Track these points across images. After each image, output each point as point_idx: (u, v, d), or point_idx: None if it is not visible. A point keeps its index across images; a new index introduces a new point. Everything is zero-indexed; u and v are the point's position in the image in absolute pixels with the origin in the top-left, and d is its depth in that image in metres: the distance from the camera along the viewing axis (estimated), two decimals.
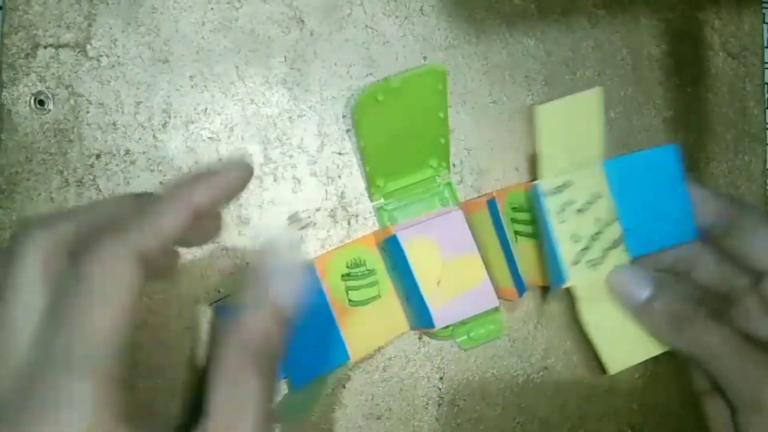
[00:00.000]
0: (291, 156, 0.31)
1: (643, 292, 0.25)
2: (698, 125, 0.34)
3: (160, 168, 0.30)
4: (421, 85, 0.28)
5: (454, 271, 0.28)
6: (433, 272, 0.28)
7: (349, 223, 0.31)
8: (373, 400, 0.31)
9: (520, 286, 0.30)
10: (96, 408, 0.17)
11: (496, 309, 0.29)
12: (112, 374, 0.18)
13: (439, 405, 0.31)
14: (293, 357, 0.28)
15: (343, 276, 0.29)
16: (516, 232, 0.30)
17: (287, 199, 0.31)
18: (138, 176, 0.30)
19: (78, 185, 0.30)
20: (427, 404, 0.31)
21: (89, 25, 0.30)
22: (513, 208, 0.29)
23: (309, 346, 0.28)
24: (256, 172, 0.31)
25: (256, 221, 0.30)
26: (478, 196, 0.32)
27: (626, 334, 0.26)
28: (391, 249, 0.28)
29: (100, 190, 0.30)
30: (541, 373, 0.32)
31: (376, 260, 0.30)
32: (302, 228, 0.31)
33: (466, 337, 0.31)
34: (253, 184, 0.31)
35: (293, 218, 0.31)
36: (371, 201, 0.31)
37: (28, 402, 0.17)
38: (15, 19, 0.30)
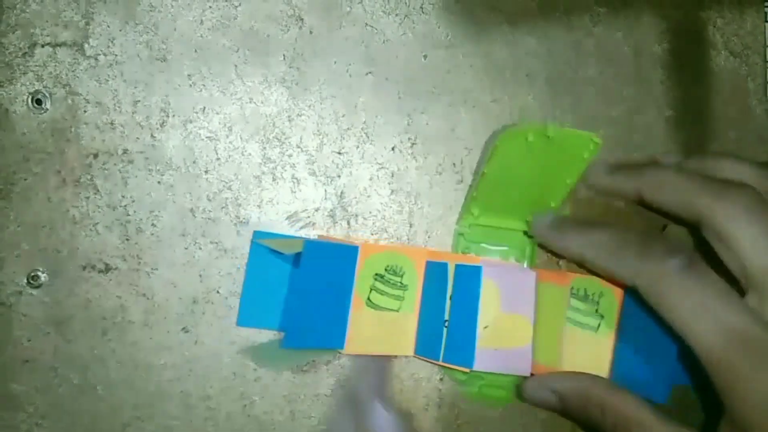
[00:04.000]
0: (290, 155, 0.31)
1: None
2: (700, 124, 0.34)
3: (158, 167, 0.30)
4: (572, 145, 0.28)
5: (504, 325, 0.28)
6: (486, 316, 0.28)
7: (348, 223, 0.31)
8: None
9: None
10: None
11: (515, 379, 0.30)
12: None
13: (440, 407, 0.31)
14: (298, 318, 0.28)
15: (376, 275, 0.29)
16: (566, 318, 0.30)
17: (286, 198, 0.31)
18: (136, 176, 0.30)
19: (75, 185, 0.29)
20: (428, 406, 0.31)
21: (87, 23, 0.30)
22: (573, 295, 0.29)
23: (316, 317, 0.28)
24: (255, 171, 0.31)
25: (254, 221, 0.30)
26: (561, 269, 0.32)
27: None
28: (463, 276, 0.28)
29: (97, 190, 0.30)
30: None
31: (414, 277, 0.30)
32: (301, 228, 0.31)
33: (477, 390, 0.31)
34: (251, 184, 0.30)
35: (292, 218, 0.31)
36: (456, 224, 0.31)
37: None
38: (12, 17, 0.29)
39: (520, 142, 0.28)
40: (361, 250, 0.29)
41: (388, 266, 0.30)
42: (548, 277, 0.30)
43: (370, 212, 0.31)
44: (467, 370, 0.29)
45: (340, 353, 0.30)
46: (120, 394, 0.29)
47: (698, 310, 0.24)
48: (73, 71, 0.30)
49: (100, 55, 0.30)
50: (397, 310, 0.30)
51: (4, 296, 0.29)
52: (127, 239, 0.30)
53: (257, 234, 0.30)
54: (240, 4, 0.31)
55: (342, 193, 0.31)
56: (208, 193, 0.30)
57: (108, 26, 0.30)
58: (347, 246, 0.29)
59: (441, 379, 0.31)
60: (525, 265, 0.31)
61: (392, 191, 0.31)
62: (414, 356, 0.30)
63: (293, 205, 0.31)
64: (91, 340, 0.29)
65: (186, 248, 0.30)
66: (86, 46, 0.30)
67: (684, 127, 0.33)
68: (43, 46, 0.29)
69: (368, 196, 0.31)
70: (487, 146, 0.31)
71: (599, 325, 0.29)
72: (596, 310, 0.29)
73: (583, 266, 0.29)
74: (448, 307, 0.29)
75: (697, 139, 0.34)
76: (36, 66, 0.29)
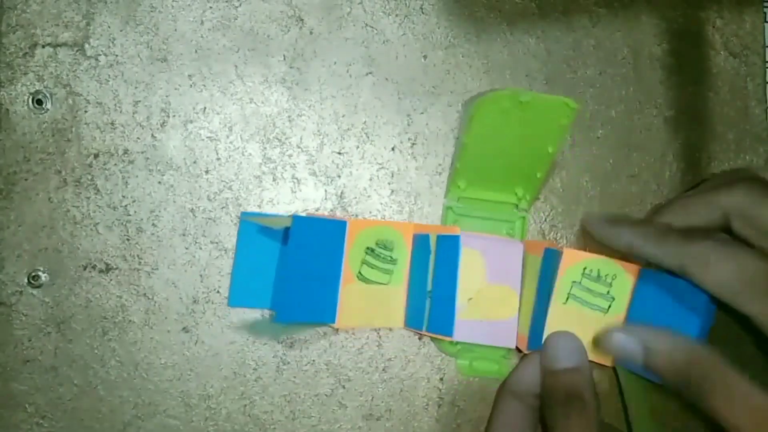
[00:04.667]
0: (290, 155, 0.31)
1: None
2: (699, 124, 0.34)
3: (158, 167, 0.30)
4: (547, 110, 0.28)
5: (490, 296, 0.28)
6: (470, 287, 0.28)
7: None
8: (372, 401, 0.31)
9: (534, 342, 0.29)
10: None
11: (509, 351, 0.29)
12: None
13: (440, 406, 0.31)
14: (288, 293, 0.28)
15: (367, 249, 0.30)
16: (571, 295, 0.29)
17: (286, 198, 0.31)
18: (136, 176, 0.30)
19: (76, 185, 0.30)
20: (428, 405, 0.31)
21: (87, 24, 0.30)
22: (585, 275, 0.29)
23: (306, 292, 0.28)
24: (255, 171, 0.31)
25: None
26: (544, 240, 0.32)
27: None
28: (444, 246, 0.28)
29: (98, 190, 0.30)
30: None
31: (404, 251, 0.30)
32: None
33: (468, 363, 0.31)
34: (252, 184, 0.30)
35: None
36: (444, 197, 0.31)
37: None
38: (13, 17, 0.29)
39: (495, 109, 0.28)
40: (351, 225, 0.29)
41: (378, 240, 0.30)
42: (532, 248, 0.30)
43: (370, 212, 0.31)
44: (449, 339, 0.29)
45: (332, 327, 0.30)
46: (120, 394, 0.29)
47: (743, 275, 0.25)
48: (73, 71, 0.30)
49: (100, 55, 0.30)
50: (387, 284, 0.30)
51: (4, 296, 0.29)
52: (128, 239, 0.30)
53: (244, 214, 0.30)
54: (240, 5, 0.31)
55: (342, 193, 0.31)
56: (208, 193, 0.30)
57: (109, 27, 0.30)
58: (336, 221, 0.29)
59: (441, 379, 0.31)
60: (515, 238, 0.31)
61: (392, 191, 0.31)
62: (404, 328, 0.30)
63: (293, 205, 0.31)
64: (92, 339, 0.29)
65: (186, 248, 0.30)
66: (87, 46, 0.30)
67: (683, 128, 0.34)
68: (43, 47, 0.30)
69: (368, 196, 0.31)
70: (463, 115, 0.31)
71: (609, 306, 0.29)
72: (608, 292, 0.29)
73: (630, 255, 0.29)
74: (431, 278, 0.29)
75: (696, 140, 0.34)
76: (37, 66, 0.29)
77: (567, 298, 0.29)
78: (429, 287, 0.29)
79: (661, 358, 0.26)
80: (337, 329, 0.30)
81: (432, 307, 0.29)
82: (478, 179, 0.30)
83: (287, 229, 0.28)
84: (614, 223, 0.29)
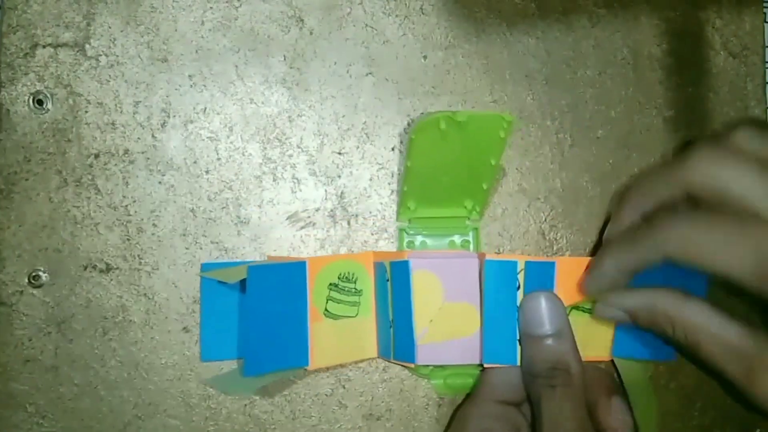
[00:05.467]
0: (290, 156, 0.31)
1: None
2: (699, 125, 0.34)
3: (159, 168, 0.30)
4: (485, 126, 0.28)
5: (450, 315, 0.28)
6: (429, 309, 0.28)
7: (348, 223, 0.31)
8: (373, 401, 0.31)
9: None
10: None
11: (478, 365, 0.29)
12: None
13: (440, 406, 0.31)
14: (254, 344, 0.27)
15: (330, 285, 0.29)
16: (574, 307, 0.29)
17: (287, 198, 0.31)
18: (137, 176, 0.30)
19: (77, 185, 0.30)
20: (428, 405, 0.31)
21: (88, 24, 0.30)
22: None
23: (274, 340, 0.28)
24: (256, 171, 0.31)
25: (255, 221, 0.30)
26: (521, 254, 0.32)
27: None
28: (396, 273, 0.28)
29: (98, 190, 0.30)
30: None
31: (367, 281, 0.30)
32: (302, 228, 0.31)
33: (442, 382, 0.31)
34: (252, 184, 0.31)
35: (293, 218, 0.31)
36: (397, 221, 0.31)
37: None
38: (14, 18, 0.29)
39: (433, 131, 0.28)
40: (311, 264, 0.29)
41: (340, 274, 0.29)
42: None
43: (371, 212, 0.31)
44: (411, 364, 0.28)
45: (306, 370, 0.29)
46: (120, 394, 0.29)
47: (733, 240, 0.24)
48: (74, 72, 0.30)
49: (101, 55, 0.30)
50: (355, 316, 0.29)
51: (5, 296, 0.29)
52: (128, 239, 0.30)
53: (204, 266, 0.30)
54: (241, 5, 0.31)
55: (342, 193, 0.31)
56: (208, 193, 0.30)
57: (109, 27, 0.30)
58: (293, 264, 0.28)
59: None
60: (471, 251, 0.31)
61: (392, 191, 0.31)
62: (378, 357, 0.30)
63: (294, 205, 0.31)
64: (92, 339, 0.29)
65: (187, 248, 0.30)
66: (87, 46, 0.30)
67: (683, 128, 0.34)
68: (44, 47, 0.30)
69: (368, 196, 0.31)
70: (406, 139, 0.31)
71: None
72: None
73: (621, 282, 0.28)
74: (390, 306, 0.29)
75: (696, 140, 0.34)
76: (37, 66, 0.30)
77: (570, 309, 0.29)
78: (391, 315, 0.29)
79: (633, 315, 0.28)
80: (315, 371, 0.30)
81: (395, 334, 0.29)
82: (426, 198, 0.30)
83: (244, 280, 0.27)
84: (592, 270, 0.28)
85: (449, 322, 0.28)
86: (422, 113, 0.31)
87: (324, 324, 0.29)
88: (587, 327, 0.29)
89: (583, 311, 0.30)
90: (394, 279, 0.28)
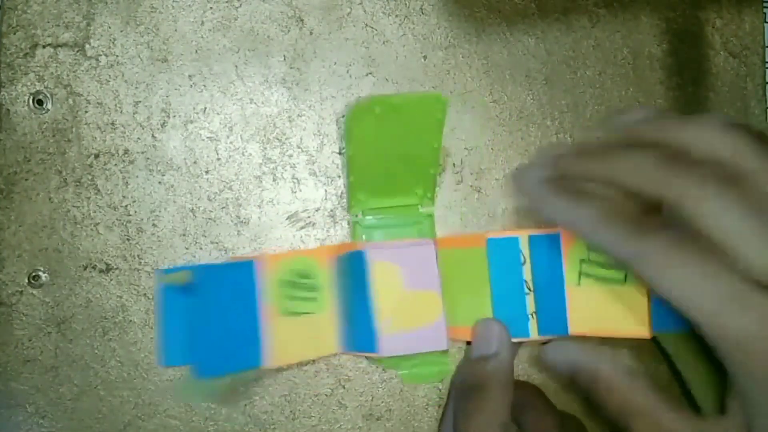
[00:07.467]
0: (290, 156, 0.31)
1: None
2: None
3: (159, 168, 0.30)
4: (420, 109, 0.28)
5: (411, 304, 0.28)
6: (389, 299, 0.28)
7: (348, 223, 0.31)
8: (373, 401, 0.31)
9: (548, 328, 0.29)
10: None
11: (444, 352, 0.29)
12: None
13: (440, 406, 0.31)
14: (204, 347, 0.27)
15: (286, 282, 0.29)
16: (583, 274, 0.28)
17: (287, 198, 0.31)
18: (137, 176, 0.30)
19: (76, 185, 0.30)
20: (428, 405, 0.31)
21: (88, 24, 0.30)
22: (591, 249, 0.28)
23: (224, 341, 0.27)
24: (255, 171, 0.31)
25: (255, 221, 0.30)
26: (506, 230, 0.31)
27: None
28: (352, 265, 0.28)
29: (98, 190, 0.30)
30: (541, 373, 0.32)
31: (324, 277, 0.29)
32: (302, 228, 0.31)
33: (409, 372, 0.31)
34: (252, 184, 0.31)
35: (293, 218, 0.31)
36: (348, 213, 0.31)
37: None
38: (13, 18, 0.29)
39: (368, 116, 0.28)
40: (266, 262, 0.28)
41: (296, 271, 0.29)
42: (455, 243, 0.30)
43: None
44: (375, 355, 0.28)
45: (262, 369, 0.29)
46: (120, 394, 0.29)
47: (697, 278, 0.22)
48: (74, 72, 0.30)
49: (101, 55, 0.30)
50: (314, 312, 0.29)
51: (5, 296, 0.29)
52: (128, 239, 0.30)
53: (159, 272, 0.29)
54: (240, 5, 0.31)
55: (342, 193, 0.31)
56: (208, 194, 0.30)
57: (109, 27, 0.30)
58: (240, 263, 0.28)
59: (441, 379, 0.31)
60: (427, 238, 0.30)
61: None
62: (341, 353, 0.30)
63: (294, 205, 0.31)
64: (92, 339, 0.29)
65: (186, 248, 0.30)
66: (87, 46, 0.30)
67: None
68: (44, 47, 0.30)
69: None
70: (343, 128, 0.31)
71: (626, 275, 0.27)
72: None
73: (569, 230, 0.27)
74: (349, 298, 0.29)
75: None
76: (37, 66, 0.30)
77: (579, 278, 0.28)
78: (350, 308, 0.29)
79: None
80: (274, 368, 0.29)
81: (356, 326, 0.28)
82: (375, 188, 0.30)
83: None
84: (554, 192, 0.25)
85: (412, 311, 0.28)
86: (358, 98, 0.31)
87: (281, 321, 0.28)
88: (618, 302, 0.28)
89: (610, 282, 0.28)
90: (351, 271, 0.28)
